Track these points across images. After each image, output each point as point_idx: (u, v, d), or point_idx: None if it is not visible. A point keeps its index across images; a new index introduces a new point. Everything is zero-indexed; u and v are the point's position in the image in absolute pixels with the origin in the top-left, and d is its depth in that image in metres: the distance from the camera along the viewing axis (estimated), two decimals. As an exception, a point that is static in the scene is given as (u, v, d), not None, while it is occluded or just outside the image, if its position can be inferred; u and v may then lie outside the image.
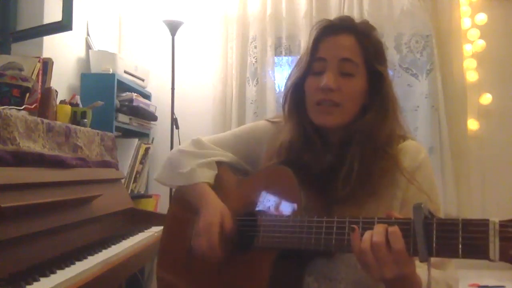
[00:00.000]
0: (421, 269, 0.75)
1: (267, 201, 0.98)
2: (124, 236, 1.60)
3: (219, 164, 1.14)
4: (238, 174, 1.15)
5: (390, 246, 0.70)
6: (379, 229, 0.72)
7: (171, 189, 2.35)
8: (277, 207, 0.95)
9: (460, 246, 0.63)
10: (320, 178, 0.95)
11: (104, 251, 1.37)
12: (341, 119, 0.95)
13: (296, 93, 1.01)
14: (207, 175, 1.10)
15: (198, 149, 1.16)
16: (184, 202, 1.15)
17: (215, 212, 1.01)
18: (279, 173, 0.98)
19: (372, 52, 0.96)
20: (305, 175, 0.94)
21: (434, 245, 0.65)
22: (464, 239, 0.63)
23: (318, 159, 0.96)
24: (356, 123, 0.95)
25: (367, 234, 0.72)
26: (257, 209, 0.99)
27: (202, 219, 1.01)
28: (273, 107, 2.69)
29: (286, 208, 0.92)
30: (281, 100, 1.09)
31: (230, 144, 1.17)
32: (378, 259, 0.70)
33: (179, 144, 2.62)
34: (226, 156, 1.15)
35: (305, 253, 0.90)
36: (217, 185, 1.10)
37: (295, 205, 0.90)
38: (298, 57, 1.06)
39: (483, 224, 0.61)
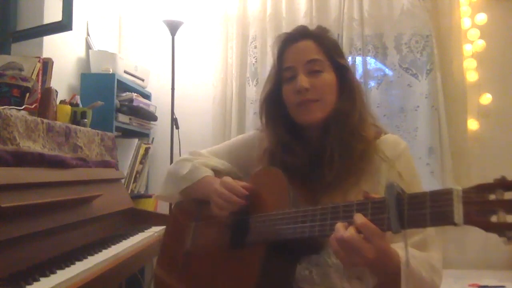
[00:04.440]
0: (401, 250, 0.78)
1: (258, 200, 1.02)
2: (124, 236, 1.60)
3: (215, 171, 1.18)
4: None
5: (357, 228, 0.74)
6: (338, 227, 0.76)
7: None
8: (266, 204, 0.99)
9: (428, 215, 0.67)
10: (307, 172, 1.01)
11: (104, 251, 1.37)
12: (324, 112, 1.03)
13: (271, 104, 1.10)
14: (210, 171, 1.15)
15: (196, 156, 1.22)
16: (183, 209, 1.19)
17: (217, 182, 1.06)
18: (269, 173, 1.04)
19: (332, 49, 1.06)
20: (293, 173, 1.00)
21: (406, 217, 0.70)
22: (432, 208, 0.67)
23: (300, 158, 1.02)
24: (331, 112, 1.03)
25: (335, 237, 0.76)
26: (251, 209, 1.02)
27: (215, 183, 1.05)
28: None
29: (276, 204, 0.96)
30: None
31: (225, 155, 1.23)
32: (353, 249, 0.74)
33: (179, 144, 2.64)
34: (221, 164, 1.20)
35: (295, 247, 0.93)
36: None
37: (283, 200, 0.94)
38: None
39: (448, 192, 0.65)
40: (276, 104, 1.08)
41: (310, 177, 1.00)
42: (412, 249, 0.85)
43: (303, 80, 1.01)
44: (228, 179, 1.04)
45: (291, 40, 1.07)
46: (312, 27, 1.10)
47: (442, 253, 0.93)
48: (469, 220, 0.63)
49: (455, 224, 0.64)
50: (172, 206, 1.28)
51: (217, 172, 1.18)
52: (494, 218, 0.61)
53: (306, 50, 1.04)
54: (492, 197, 0.62)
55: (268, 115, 1.11)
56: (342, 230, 0.75)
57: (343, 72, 1.05)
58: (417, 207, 0.69)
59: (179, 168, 1.19)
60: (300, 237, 0.86)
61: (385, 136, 1.04)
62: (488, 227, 0.62)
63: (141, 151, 2.59)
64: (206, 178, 1.12)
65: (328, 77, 1.04)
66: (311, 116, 1.03)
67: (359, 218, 0.74)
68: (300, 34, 1.07)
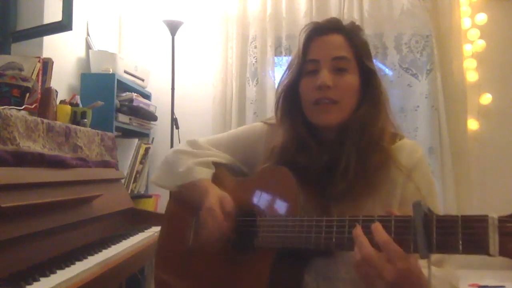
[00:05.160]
0: (422, 269, 0.75)
1: (266, 201, 0.98)
2: (124, 236, 1.60)
3: (216, 165, 1.13)
4: (235, 175, 1.14)
5: (378, 245, 0.70)
6: (362, 239, 0.72)
7: (171, 189, 2.35)
8: (276, 207, 0.95)
9: (460, 242, 0.63)
10: (317, 176, 0.95)
11: (104, 251, 1.37)
12: (340, 116, 0.95)
13: (289, 97, 1.01)
14: (206, 173, 1.10)
15: (195, 149, 1.16)
16: (182, 201, 1.14)
17: (214, 196, 1.00)
18: (277, 173, 0.97)
19: (361, 50, 0.98)
20: (302, 175, 0.94)
21: (434, 241, 0.66)
22: (464, 235, 0.63)
23: (314, 160, 0.96)
24: (350, 118, 0.96)
25: (356, 250, 0.73)
26: (256, 209, 0.98)
27: (203, 206, 1.00)
28: (273, 107, 2.68)
29: (285, 207, 0.93)
30: None
31: (227, 146, 1.17)
32: (372, 266, 0.70)
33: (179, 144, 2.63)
34: (223, 157, 1.15)
35: (304, 253, 0.90)
36: (215, 184, 1.08)
37: (294, 205, 0.90)
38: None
39: (482, 220, 0.62)
40: (294, 97, 1.00)
41: (320, 182, 0.94)
42: (433, 268, 0.78)
43: (326, 77, 0.93)
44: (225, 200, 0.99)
45: (320, 31, 0.98)
46: (345, 22, 1.01)
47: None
48: (505, 252, 0.60)
49: (489, 255, 0.60)
50: (168, 201, 1.25)
51: (219, 165, 1.13)
52: None
53: (335, 45, 0.96)
54: None
55: (286, 109, 1.02)
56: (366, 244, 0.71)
57: (369, 76, 0.97)
58: (447, 232, 0.64)
59: (177, 162, 1.14)
60: (314, 248, 0.83)
61: (401, 142, 0.98)
62: None
63: (141, 151, 2.59)
64: (200, 181, 1.07)
65: (353, 79, 0.96)
66: (326, 118, 0.95)
67: (380, 235, 0.70)
68: (331, 26, 0.98)
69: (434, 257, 0.79)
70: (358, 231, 0.73)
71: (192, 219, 1.10)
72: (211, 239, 0.97)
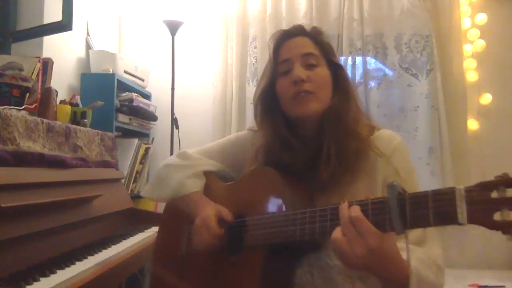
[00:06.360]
0: (405, 252, 0.77)
1: (253, 201, 1.02)
2: (124, 236, 1.60)
3: (206, 173, 1.18)
4: (225, 181, 1.18)
5: (351, 220, 0.74)
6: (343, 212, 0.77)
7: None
8: (262, 205, 0.98)
9: (431, 215, 0.66)
10: (302, 171, 1.00)
11: (104, 251, 1.37)
12: (318, 106, 1.01)
13: (266, 100, 1.08)
14: (197, 186, 1.14)
15: (184, 161, 1.20)
16: (177, 208, 1.18)
17: (210, 208, 1.05)
18: (263, 173, 1.03)
19: (326, 47, 1.07)
20: (288, 172, 0.99)
21: (408, 218, 0.69)
22: (434, 208, 0.66)
23: (297, 156, 1.01)
24: (325, 110, 1.02)
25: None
26: (246, 210, 1.01)
27: (198, 216, 1.04)
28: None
29: (271, 205, 0.96)
30: None
31: (216, 154, 1.22)
32: (348, 239, 0.73)
33: (179, 144, 2.64)
34: (212, 165, 1.20)
35: (294, 248, 0.92)
36: (206, 194, 1.14)
37: (279, 201, 0.94)
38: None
39: (450, 192, 0.65)
40: (272, 100, 1.06)
41: (305, 176, 0.99)
42: (417, 250, 0.84)
43: (299, 71, 1.00)
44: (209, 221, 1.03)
45: (287, 36, 1.07)
46: (308, 27, 1.10)
47: (441, 246, 0.92)
48: (473, 219, 0.63)
49: (459, 224, 0.64)
50: (166, 203, 1.27)
51: (209, 174, 1.18)
52: (497, 216, 0.62)
53: (302, 45, 1.04)
54: (495, 194, 0.62)
55: (265, 110, 1.08)
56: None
57: (337, 70, 1.06)
58: (419, 207, 0.68)
59: (168, 176, 1.18)
60: (299, 240, 0.85)
61: (379, 132, 1.03)
62: (492, 226, 0.62)
63: (141, 151, 2.59)
64: (192, 195, 1.12)
65: (324, 72, 1.03)
66: (306, 108, 1.00)
67: (355, 212, 0.74)
68: (296, 31, 1.08)
69: (415, 235, 0.84)
70: (344, 205, 0.77)
71: (185, 226, 1.12)
72: (204, 246, 1.02)
